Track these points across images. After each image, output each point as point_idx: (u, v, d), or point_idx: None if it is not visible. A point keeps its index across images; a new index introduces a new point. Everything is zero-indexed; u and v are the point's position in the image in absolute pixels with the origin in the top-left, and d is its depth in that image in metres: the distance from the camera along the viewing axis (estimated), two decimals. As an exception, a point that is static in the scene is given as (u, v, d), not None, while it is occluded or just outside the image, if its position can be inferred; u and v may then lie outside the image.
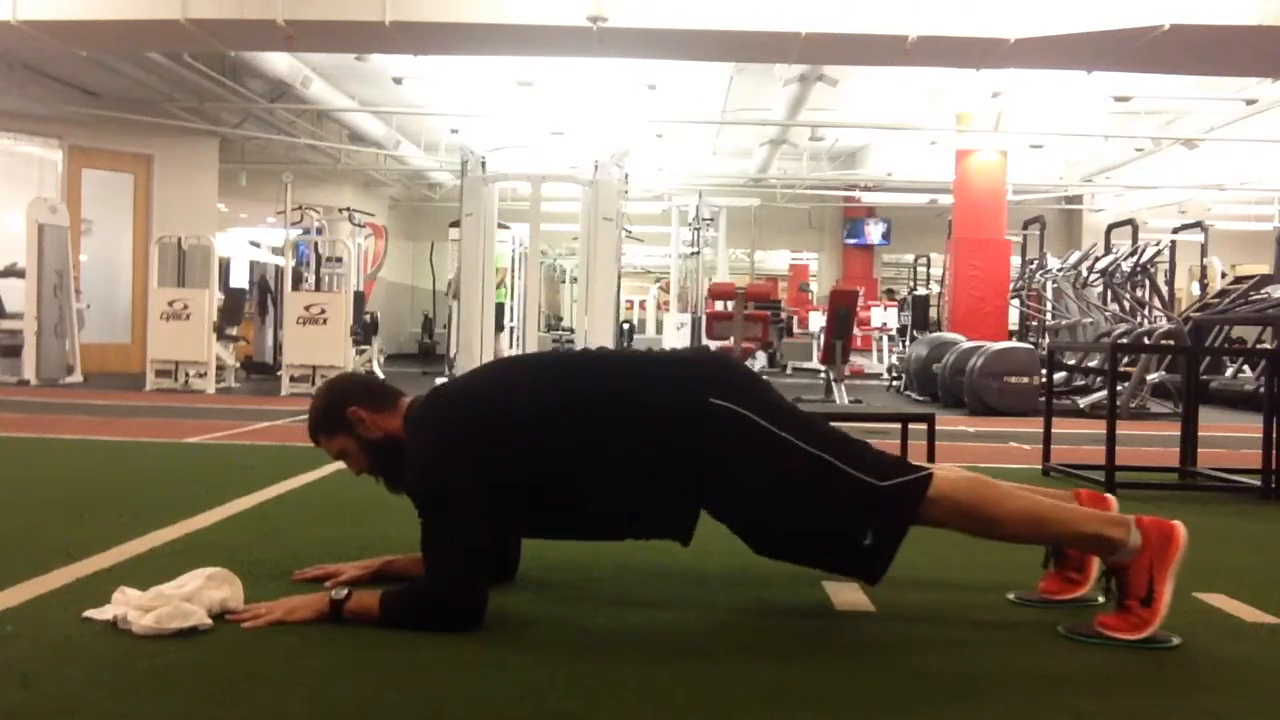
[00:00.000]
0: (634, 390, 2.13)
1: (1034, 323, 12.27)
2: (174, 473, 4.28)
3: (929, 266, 17.60)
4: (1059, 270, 11.23)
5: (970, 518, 2.06)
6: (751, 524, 2.13)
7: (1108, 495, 2.27)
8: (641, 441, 2.08)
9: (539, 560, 2.39)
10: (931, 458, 4.10)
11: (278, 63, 10.01)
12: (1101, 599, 2.10)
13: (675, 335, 12.45)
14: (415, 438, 2.13)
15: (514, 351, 11.21)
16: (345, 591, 2.03)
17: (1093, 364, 9.10)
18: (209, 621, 1.94)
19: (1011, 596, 2.34)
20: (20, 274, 9.29)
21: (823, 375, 9.81)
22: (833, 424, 2.19)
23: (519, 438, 2.09)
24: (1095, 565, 2.25)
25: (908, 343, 13.55)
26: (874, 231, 19.35)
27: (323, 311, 8.97)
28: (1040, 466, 4.67)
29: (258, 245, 13.71)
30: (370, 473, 2.24)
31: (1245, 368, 10.41)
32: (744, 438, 2.05)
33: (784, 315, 14.85)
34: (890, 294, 18.84)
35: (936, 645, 2.02)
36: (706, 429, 2.06)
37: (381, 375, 11.08)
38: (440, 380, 2.25)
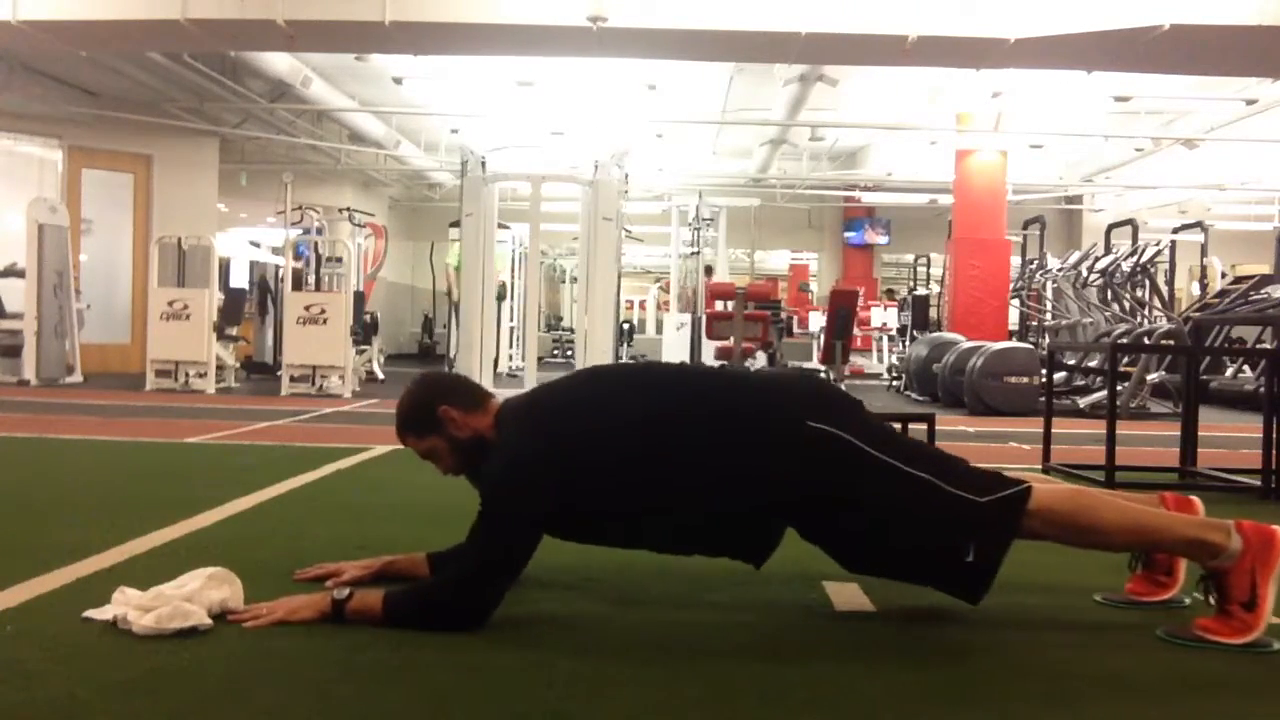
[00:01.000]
0: (730, 411, 2.12)
1: (1034, 323, 12.27)
2: (174, 473, 4.28)
3: (929, 266, 17.60)
4: (1059, 270, 11.23)
5: (1070, 528, 2.06)
6: (849, 544, 2.12)
7: (1193, 497, 2.27)
8: (735, 462, 2.07)
9: (539, 560, 2.38)
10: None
11: (278, 63, 10.01)
12: (1186, 600, 2.10)
13: (675, 335, 12.44)
14: (505, 444, 2.13)
15: (513, 351, 11.21)
16: (347, 591, 2.03)
17: (1093, 364, 9.10)
18: (209, 621, 1.94)
19: (1098, 598, 2.34)
20: (20, 274, 9.29)
21: (823, 375, 9.82)
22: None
23: (609, 457, 2.08)
24: (1183, 567, 2.26)
25: (908, 343, 13.55)
26: (874, 231, 19.34)
27: (323, 311, 8.96)
28: (1040, 466, 4.67)
29: (258, 245, 13.71)
30: (457, 472, 2.23)
31: (1245, 368, 10.40)
32: (841, 460, 2.05)
33: (784, 315, 14.84)
34: (890, 294, 18.82)
35: (936, 646, 2.03)
36: (803, 452, 2.05)
37: (381, 375, 11.09)
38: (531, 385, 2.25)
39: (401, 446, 2.27)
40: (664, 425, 2.11)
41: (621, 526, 2.16)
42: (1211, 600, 2.04)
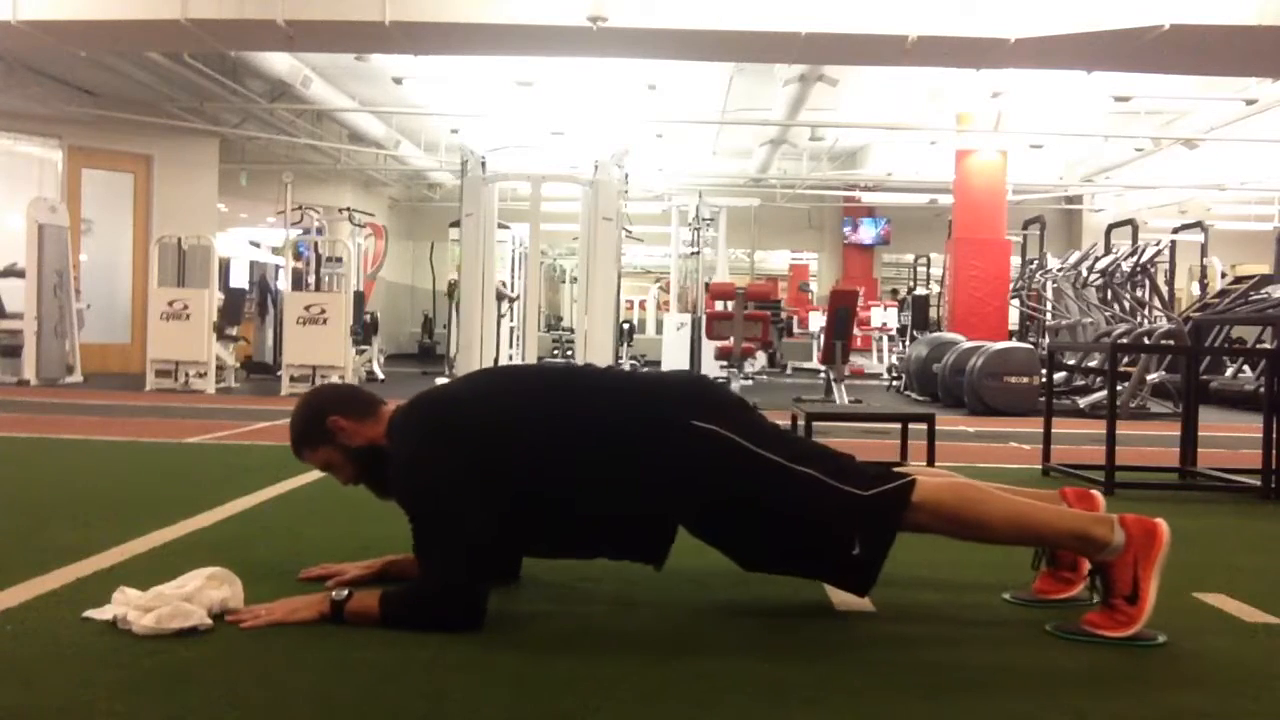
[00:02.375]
0: (617, 409, 2.14)
1: (1034, 323, 12.27)
2: (174, 473, 4.28)
3: (929, 266, 17.59)
4: (1059, 270, 11.23)
5: (955, 522, 2.08)
6: (738, 542, 2.14)
7: (1094, 492, 2.28)
8: (622, 461, 2.08)
9: (538, 560, 2.39)
10: (931, 458, 4.10)
11: (278, 63, 10.01)
12: (1095, 598, 2.11)
13: (675, 335, 12.43)
14: (401, 441, 2.13)
15: (513, 351, 11.21)
16: (346, 592, 2.03)
17: (1093, 364, 9.10)
18: (209, 621, 1.94)
19: (1007, 596, 2.35)
20: (20, 274, 9.29)
21: (823, 375, 9.82)
22: (817, 438, 2.20)
23: (500, 447, 2.08)
24: (1087, 564, 2.26)
25: (908, 343, 13.55)
26: (873, 231, 19.34)
27: (323, 311, 8.97)
28: (1040, 466, 4.67)
29: (258, 245, 13.72)
30: (357, 482, 2.24)
31: (1245, 368, 10.40)
32: (727, 458, 2.06)
33: (784, 315, 14.84)
34: (895, 293, 18.80)
35: (935, 645, 2.03)
36: (689, 450, 2.07)
37: (381, 375, 11.10)
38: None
39: (298, 459, 2.28)
40: (553, 423, 2.11)
41: (519, 520, 2.12)
42: (1097, 595, 2.07)
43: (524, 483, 2.07)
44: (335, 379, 8.81)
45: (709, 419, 2.09)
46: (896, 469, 2.17)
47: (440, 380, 9.01)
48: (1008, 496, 2.13)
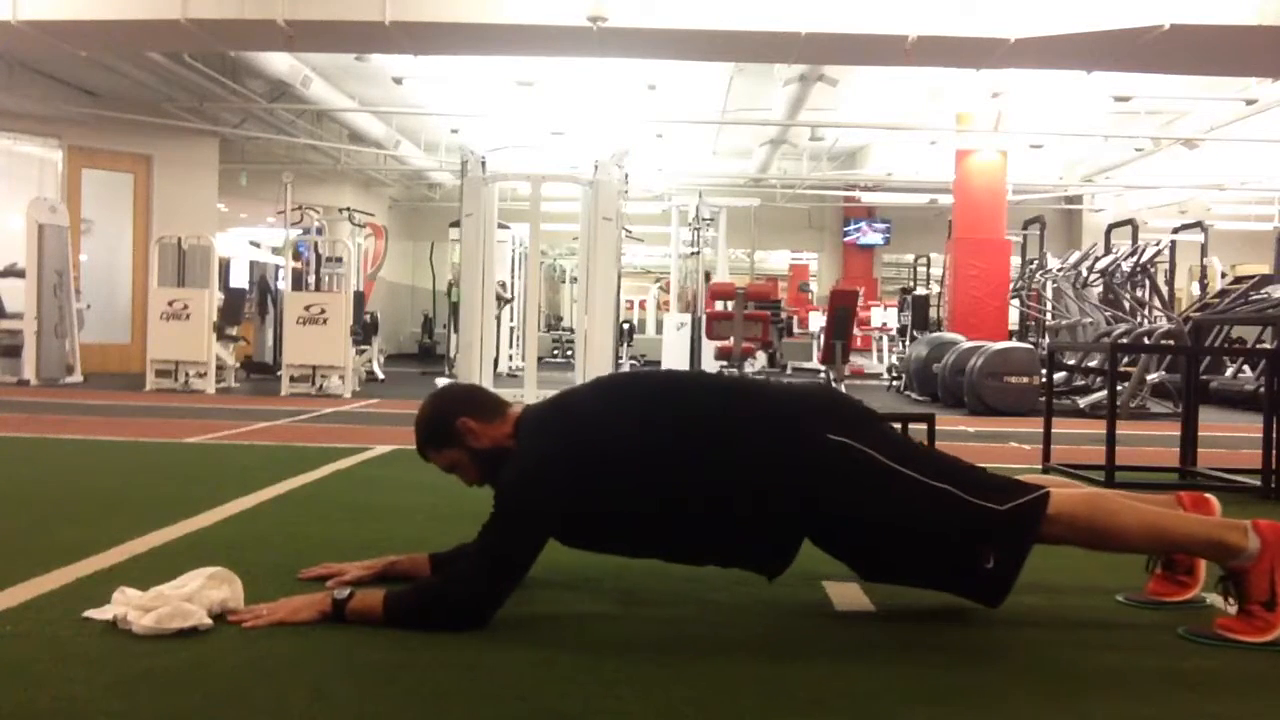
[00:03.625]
0: (751, 422, 2.13)
1: (1034, 323, 12.27)
2: (174, 473, 4.28)
3: (929, 266, 17.59)
4: (1059, 270, 11.23)
5: (1090, 533, 2.08)
6: (870, 555, 2.14)
7: (1209, 496, 2.27)
8: (753, 473, 2.07)
9: (539, 560, 2.39)
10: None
11: (278, 63, 10.01)
12: (1207, 600, 2.11)
13: (675, 335, 12.43)
14: (524, 449, 2.13)
15: (513, 351, 11.21)
16: (348, 591, 2.03)
17: (1093, 364, 9.10)
18: (209, 621, 1.94)
19: (1120, 598, 2.34)
20: (20, 274, 9.29)
21: (823, 375, 9.82)
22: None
23: (631, 457, 2.08)
24: (1203, 566, 2.27)
25: (908, 343, 13.55)
26: (873, 232, 19.34)
27: (323, 311, 8.97)
28: (1040, 466, 4.67)
29: (258, 245, 13.71)
30: (481, 483, 2.23)
31: (1245, 368, 10.40)
32: (862, 473, 2.05)
33: (784, 315, 14.84)
34: (906, 292, 18.77)
35: (935, 645, 2.02)
36: (824, 464, 2.06)
37: (381, 375, 11.09)
38: (532, 395, 2.23)
39: (423, 459, 2.27)
40: (688, 430, 2.11)
41: (636, 530, 2.15)
42: (1231, 601, 2.05)
43: (648, 497, 2.08)
44: (335, 379, 8.82)
45: (844, 433, 2.08)
46: (1025, 479, 2.15)
47: (440, 381, 9.00)
48: (1140, 506, 2.13)
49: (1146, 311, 10.24)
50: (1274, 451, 4.01)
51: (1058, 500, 2.05)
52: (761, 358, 12.52)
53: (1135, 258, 10.10)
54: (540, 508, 2.05)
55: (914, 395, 10.20)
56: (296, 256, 10.71)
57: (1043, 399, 5.72)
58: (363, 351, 10.68)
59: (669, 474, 2.08)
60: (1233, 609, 2.04)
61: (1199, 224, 12.90)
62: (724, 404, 2.18)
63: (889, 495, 2.05)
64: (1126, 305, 10.30)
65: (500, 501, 2.05)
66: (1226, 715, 1.68)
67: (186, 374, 8.97)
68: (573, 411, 2.23)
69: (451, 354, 11.12)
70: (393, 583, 2.23)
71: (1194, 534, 2.08)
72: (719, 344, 10.08)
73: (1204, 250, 12.95)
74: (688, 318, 12.41)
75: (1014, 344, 9.74)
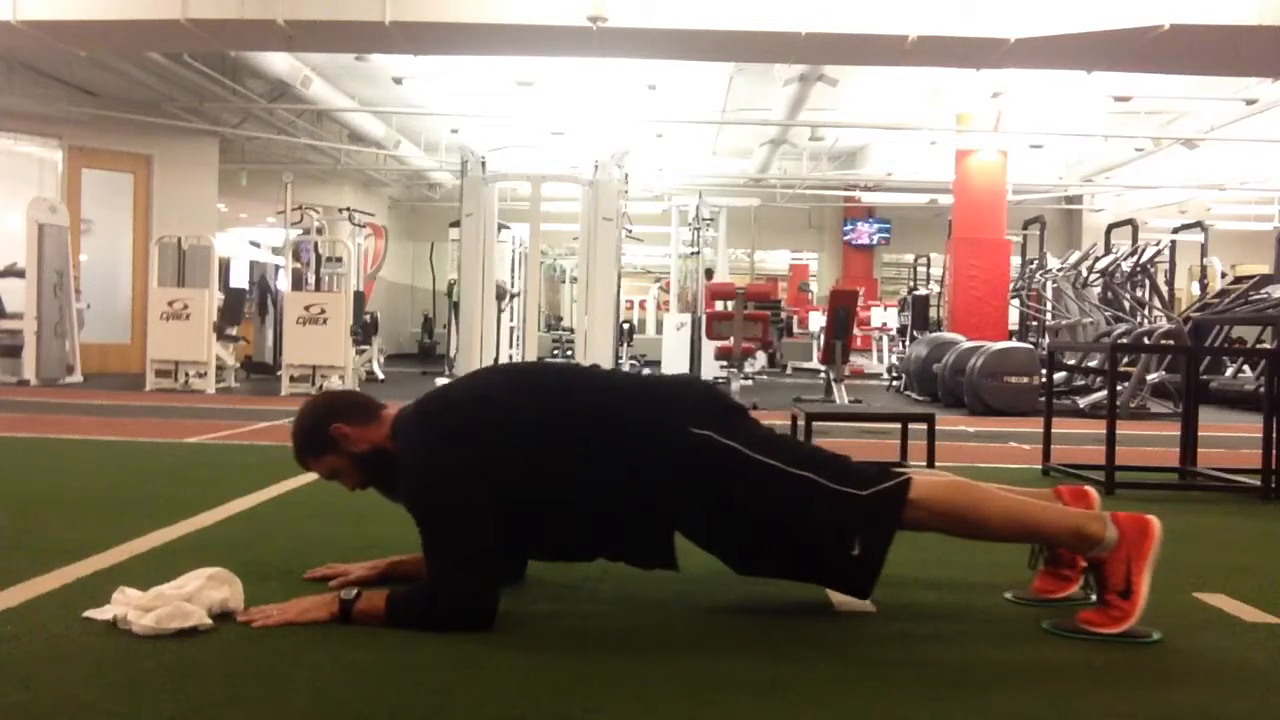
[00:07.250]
0: (618, 412, 2.14)
1: (1034, 323, 12.27)
2: (174, 473, 4.28)
3: (929, 266, 17.58)
4: (1059, 270, 11.23)
5: (952, 519, 2.09)
6: (735, 547, 2.15)
7: (1089, 489, 2.29)
8: (617, 465, 2.08)
9: (538, 560, 2.39)
10: (931, 458, 4.10)
11: (278, 63, 10.01)
12: (1091, 596, 2.12)
13: (675, 335, 12.43)
14: (407, 445, 2.13)
15: (513, 351, 11.21)
16: (354, 592, 2.03)
17: (1093, 364, 9.10)
18: (209, 621, 1.95)
19: (1008, 596, 2.36)
20: (20, 274, 9.29)
21: (823, 375, 9.81)
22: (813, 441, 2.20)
23: (501, 448, 2.07)
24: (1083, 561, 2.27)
25: (908, 343, 13.55)
26: (873, 232, 19.33)
27: (323, 311, 8.97)
28: (1040, 466, 4.67)
29: (258, 245, 13.71)
30: (365, 487, 2.24)
31: (1245, 368, 10.40)
32: (723, 464, 2.06)
33: (784, 315, 14.84)
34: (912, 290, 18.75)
35: (934, 644, 2.03)
36: (684, 457, 2.07)
37: (381, 375, 11.09)
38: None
39: (303, 468, 2.29)
40: (552, 424, 2.11)
41: (526, 520, 2.11)
42: (1092, 592, 2.09)
43: (524, 483, 2.07)
44: (335, 379, 8.82)
45: (704, 425, 2.09)
46: (894, 469, 2.18)
47: (440, 381, 9.00)
48: (1004, 494, 2.15)
49: (1146, 311, 10.24)
50: (1274, 451, 4.01)
51: (920, 486, 2.06)
52: (761, 358, 12.53)
53: (1135, 258, 10.10)
54: (461, 475, 2.01)
55: (914, 395, 10.20)
56: (296, 256, 10.71)
57: (1043, 399, 5.72)
58: (363, 351, 10.68)
59: (543, 459, 2.07)
60: (1094, 598, 2.09)
61: (1199, 224, 12.90)
62: (587, 396, 2.18)
63: (749, 485, 2.05)
64: (1126, 305, 10.30)
65: (419, 510, 2.04)
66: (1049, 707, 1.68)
67: (186, 374, 8.98)
68: (447, 403, 2.21)
69: (451, 354, 11.12)
70: (397, 583, 2.23)
71: (1055, 523, 2.10)
72: (719, 344, 10.08)
73: (1204, 250, 12.95)
74: (688, 318, 12.41)
75: (1014, 344, 9.74)
